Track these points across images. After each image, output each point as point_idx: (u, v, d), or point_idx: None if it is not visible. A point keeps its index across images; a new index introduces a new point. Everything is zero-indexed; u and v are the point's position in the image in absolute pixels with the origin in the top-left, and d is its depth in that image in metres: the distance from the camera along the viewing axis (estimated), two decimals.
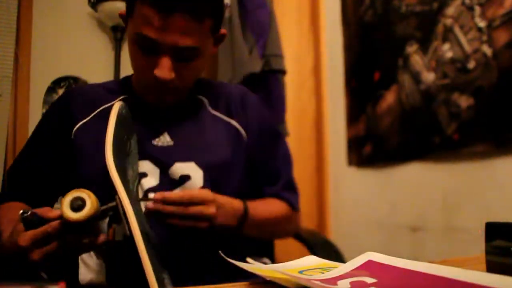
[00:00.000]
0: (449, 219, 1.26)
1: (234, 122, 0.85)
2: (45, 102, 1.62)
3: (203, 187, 0.75)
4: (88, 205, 0.57)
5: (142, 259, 0.50)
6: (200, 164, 0.76)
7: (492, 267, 0.40)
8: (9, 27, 1.58)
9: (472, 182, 1.18)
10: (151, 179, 0.74)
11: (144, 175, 0.73)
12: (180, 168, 0.75)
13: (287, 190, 0.88)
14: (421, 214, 1.37)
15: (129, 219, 0.55)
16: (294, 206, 0.88)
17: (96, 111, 0.79)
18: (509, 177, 1.07)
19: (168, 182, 0.73)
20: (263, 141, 0.87)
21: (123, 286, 0.72)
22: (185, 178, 0.75)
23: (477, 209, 1.16)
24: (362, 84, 1.69)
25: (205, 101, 0.85)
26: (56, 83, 1.62)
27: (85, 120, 0.78)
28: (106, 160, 0.60)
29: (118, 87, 0.84)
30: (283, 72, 1.58)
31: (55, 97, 1.62)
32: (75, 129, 0.78)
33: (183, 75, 0.72)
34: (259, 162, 0.86)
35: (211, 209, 0.66)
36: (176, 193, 0.65)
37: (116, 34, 1.74)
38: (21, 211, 0.56)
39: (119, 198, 0.60)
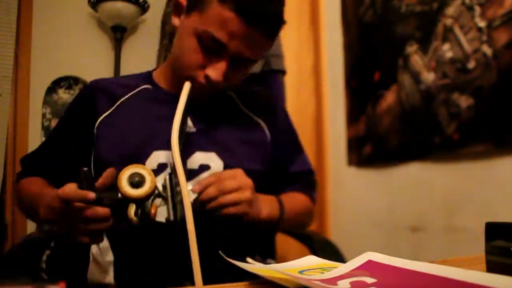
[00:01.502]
0: (449, 219, 1.26)
1: (261, 122, 0.86)
2: (45, 102, 1.62)
3: None
4: (148, 182, 0.55)
5: (191, 246, 0.49)
6: (221, 155, 0.76)
7: (492, 267, 0.40)
8: (9, 27, 1.58)
9: (472, 182, 1.18)
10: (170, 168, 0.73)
11: (165, 166, 0.73)
12: (200, 157, 0.75)
13: (307, 186, 0.92)
14: (421, 214, 1.37)
15: (185, 205, 0.54)
16: (314, 199, 0.92)
17: (116, 104, 0.79)
18: (509, 177, 1.07)
19: (186, 171, 0.72)
20: (288, 144, 0.90)
21: (132, 286, 0.72)
22: (204, 168, 0.75)
23: (477, 209, 1.16)
24: (362, 84, 1.69)
25: (235, 97, 0.86)
26: (56, 83, 1.62)
27: (106, 113, 0.78)
28: (172, 142, 0.59)
29: (138, 80, 0.83)
30: (283, 72, 1.58)
31: (55, 97, 1.62)
32: (98, 122, 0.78)
33: (230, 80, 0.72)
34: (281, 165, 0.88)
35: (247, 194, 0.67)
36: (203, 184, 0.66)
37: (116, 34, 1.74)
38: (85, 169, 0.55)
39: (171, 180, 0.59)
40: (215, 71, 0.68)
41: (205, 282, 0.48)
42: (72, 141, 0.80)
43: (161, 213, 0.65)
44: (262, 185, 0.82)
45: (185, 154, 0.73)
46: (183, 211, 0.56)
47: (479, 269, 0.36)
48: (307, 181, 0.93)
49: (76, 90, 1.62)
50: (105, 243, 0.73)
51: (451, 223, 1.25)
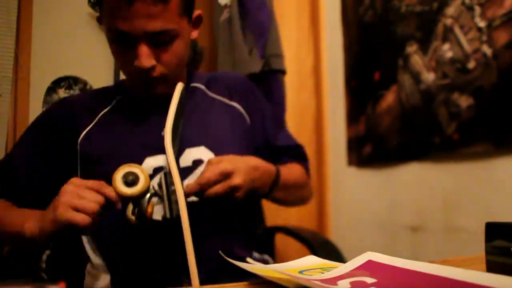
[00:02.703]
0: (449, 219, 1.26)
1: (236, 105, 0.86)
2: (45, 102, 1.62)
3: None
4: (142, 181, 0.56)
5: (186, 244, 0.49)
6: (210, 147, 0.77)
7: (492, 267, 0.40)
8: (9, 27, 1.58)
9: (472, 182, 1.18)
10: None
11: (160, 169, 0.73)
12: (191, 153, 0.76)
13: (300, 157, 0.93)
14: (421, 214, 1.37)
15: (179, 203, 0.54)
16: (308, 170, 0.94)
17: (97, 117, 0.79)
18: (509, 177, 1.07)
19: (180, 171, 0.72)
20: (265, 125, 0.91)
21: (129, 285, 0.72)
22: (197, 163, 0.76)
23: (477, 209, 1.16)
24: (362, 84, 1.69)
25: (202, 87, 0.86)
26: (56, 83, 1.62)
27: (88, 129, 0.78)
28: (165, 141, 0.60)
29: (113, 90, 0.84)
30: (283, 72, 1.58)
31: (55, 97, 1.62)
32: (80, 138, 0.77)
33: (165, 60, 0.72)
34: (267, 143, 0.89)
35: (235, 180, 0.68)
36: (195, 183, 0.67)
37: None
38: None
39: (166, 179, 0.60)
40: (140, 59, 0.69)
41: (204, 278, 0.48)
42: (47, 159, 0.78)
43: (158, 212, 0.66)
44: None
45: (177, 154, 0.74)
46: (178, 208, 0.56)
47: (479, 269, 0.36)
48: (298, 153, 0.94)
49: (76, 91, 1.62)
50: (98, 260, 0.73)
51: (451, 223, 1.25)
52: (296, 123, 1.84)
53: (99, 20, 0.75)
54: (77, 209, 0.57)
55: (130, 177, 0.56)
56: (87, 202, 0.57)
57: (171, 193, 0.62)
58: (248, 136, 0.85)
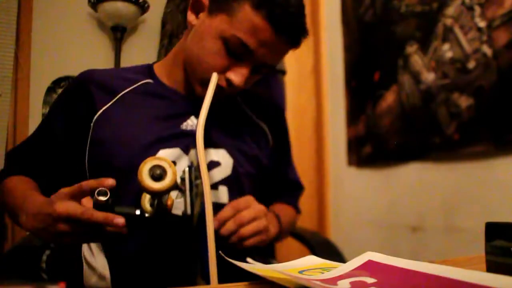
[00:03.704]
0: (449, 219, 1.26)
1: (264, 126, 0.86)
2: (45, 102, 1.61)
3: (230, 175, 0.75)
4: (170, 175, 0.53)
5: (208, 242, 0.48)
6: (231, 153, 0.76)
7: (492, 267, 0.40)
8: (9, 27, 1.58)
9: (472, 182, 1.18)
10: (180, 167, 0.71)
11: (173, 163, 0.70)
12: (209, 153, 0.74)
13: (295, 197, 0.94)
14: (421, 214, 1.37)
15: (206, 200, 0.53)
16: (299, 211, 0.95)
17: (116, 98, 0.75)
18: (509, 177, 1.07)
19: (196, 168, 0.70)
20: (284, 151, 0.92)
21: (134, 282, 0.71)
22: (214, 165, 0.74)
23: (477, 209, 1.16)
24: (362, 84, 1.69)
25: (239, 99, 0.85)
26: (56, 83, 1.62)
27: (105, 107, 0.74)
28: (197, 135, 0.59)
29: (137, 73, 0.80)
30: (283, 72, 1.57)
31: (55, 97, 1.62)
32: (96, 116, 0.73)
33: (248, 84, 0.73)
34: (278, 170, 0.89)
35: (264, 222, 0.69)
36: (232, 222, 0.66)
37: (116, 34, 1.74)
38: (97, 191, 0.54)
39: (190, 174, 0.59)
40: (238, 76, 0.68)
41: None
42: (64, 138, 0.75)
43: (178, 206, 0.64)
44: (259, 187, 0.83)
45: (191, 151, 0.72)
46: (201, 206, 0.55)
47: (479, 269, 0.36)
48: (296, 193, 0.95)
49: None
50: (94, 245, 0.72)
51: (451, 223, 1.25)
52: (296, 123, 1.84)
53: (201, 5, 0.71)
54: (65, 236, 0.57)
55: (158, 171, 0.54)
56: (78, 234, 0.57)
57: (194, 188, 0.60)
58: (267, 158, 0.84)
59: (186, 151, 0.72)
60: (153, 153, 0.70)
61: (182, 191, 0.61)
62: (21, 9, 1.62)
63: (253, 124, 0.84)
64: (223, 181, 0.74)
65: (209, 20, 0.69)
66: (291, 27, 0.67)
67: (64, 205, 0.55)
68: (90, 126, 0.73)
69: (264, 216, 0.69)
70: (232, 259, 0.46)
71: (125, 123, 0.73)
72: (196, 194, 0.61)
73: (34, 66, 1.62)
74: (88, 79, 0.78)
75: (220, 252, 0.49)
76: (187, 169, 0.62)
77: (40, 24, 1.68)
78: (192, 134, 0.72)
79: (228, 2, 0.67)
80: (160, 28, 1.78)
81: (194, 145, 0.66)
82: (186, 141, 0.72)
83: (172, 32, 1.69)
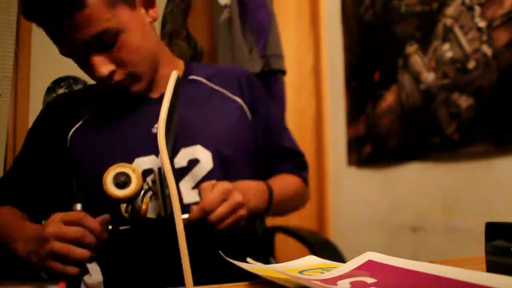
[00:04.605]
0: (449, 219, 1.26)
1: (239, 100, 0.83)
2: (45, 102, 1.62)
3: (213, 168, 0.74)
4: (134, 181, 0.54)
5: (180, 244, 0.48)
6: (206, 145, 0.74)
7: (492, 267, 0.40)
8: (9, 27, 1.58)
9: (472, 182, 1.18)
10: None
11: (149, 172, 0.70)
12: (186, 154, 0.73)
13: (298, 166, 0.90)
14: (421, 214, 1.37)
15: (173, 202, 0.53)
16: (306, 180, 0.90)
17: (88, 114, 0.77)
18: (509, 177, 1.07)
19: (175, 172, 0.68)
20: (269, 123, 0.87)
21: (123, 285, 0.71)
22: (194, 162, 0.73)
23: (477, 209, 1.16)
24: (362, 84, 1.69)
25: (201, 79, 0.82)
26: (56, 83, 1.62)
27: (77, 125, 0.76)
28: (158, 137, 0.58)
29: (107, 86, 0.78)
30: (283, 72, 1.58)
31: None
32: (69, 136, 0.75)
33: (121, 60, 0.69)
34: (267, 142, 0.86)
35: (237, 197, 0.65)
36: (198, 208, 0.63)
37: None
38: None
39: (161, 175, 0.59)
40: (96, 70, 0.68)
41: (202, 280, 0.47)
42: (43, 160, 0.76)
43: (153, 209, 0.64)
44: (254, 163, 0.81)
45: (171, 156, 0.71)
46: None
47: (479, 269, 0.36)
48: (298, 161, 0.91)
49: None
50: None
51: (451, 223, 1.25)
52: (296, 123, 1.84)
53: None
54: (65, 261, 0.57)
55: (122, 178, 0.54)
56: (73, 252, 0.56)
57: (166, 190, 0.60)
58: (248, 133, 0.82)
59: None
60: (129, 162, 0.69)
61: (155, 193, 0.61)
62: (21, 9, 1.62)
63: (227, 101, 0.82)
64: (208, 176, 0.73)
65: None
66: (41, 13, 0.65)
67: (56, 225, 0.57)
68: (67, 145, 0.75)
69: (232, 193, 0.65)
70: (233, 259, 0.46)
71: (98, 138, 0.74)
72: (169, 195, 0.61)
73: (34, 66, 1.62)
74: (58, 102, 0.82)
75: (220, 252, 0.49)
76: (157, 169, 0.62)
77: None
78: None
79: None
80: (160, 28, 1.78)
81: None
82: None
83: (172, 32, 1.69)
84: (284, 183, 0.84)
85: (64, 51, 0.68)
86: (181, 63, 0.85)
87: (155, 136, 0.71)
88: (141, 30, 0.71)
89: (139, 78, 0.73)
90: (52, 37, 0.67)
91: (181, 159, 0.73)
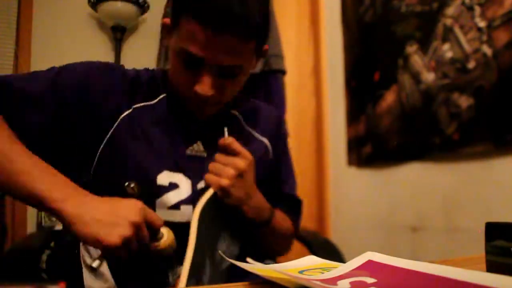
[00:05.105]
0: (449, 219, 1.26)
1: (266, 141, 0.86)
2: None
3: (189, 196, 0.75)
4: (164, 239, 0.61)
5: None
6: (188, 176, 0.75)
7: (492, 267, 0.40)
8: (9, 27, 1.58)
9: (472, 182, 1.18)
10: (183, 190, 0.73)
11: (175, 186, 0.72)
12: (167, 176, 0.73)
13: (295, 212, 0.91)
14: (421, 214, 1.37)
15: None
16: (297, 228, 0.91)
17: (134, 106, 0.74)
18: (509, 177, 1.07)
19: (198, 194, 0.71)
20: (283, 161, 0.91)
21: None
22: (173, 186, 0.73)
23: (477, 209, 1.16)
24: (362, 84, 1.69)
25: (240, 117, 0.85)
26: None
27: (124, 114, 0.72)
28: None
29: (159, 83, 0.79)
30: (283, 72, 1.58)
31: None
32: (118, 120, 0.72)
33: (224, 91, 0.71)
34: (276, 176, 0.88)
35: (241, 162, 0.69)
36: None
37: (116, 34, 1.74)
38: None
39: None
40: (201, 86, 0.68)
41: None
42: (71, 125, 0.69)
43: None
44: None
45: (197, 179, 0.74)
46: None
47: (479, 269, 0.36)
48: (296, 207, 0.91)
49: None
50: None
51: (451, 223, 1.25)
52: (296, 123, 1.84)
53: (166, 27, 0.72)
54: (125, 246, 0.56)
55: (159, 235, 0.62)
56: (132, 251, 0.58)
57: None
58: (263, 172, 0.82)
59: (190, 177, 0.73)
60: (157, 171, 0.71)
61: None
62: (21, 9, 1.63)
63: (257, 143, 0.85)
64: (183, 202, 0.74)
65: (171, 41, 0.71)
66: (223, 20, 0.63)
67: (141, 219, 0.58)
68: (112, 126, 0.71)
69: (236, 164, 0.70)
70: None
71: (136, 138, 0.72)
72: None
73: (34, 66, 1.62)
74: (121, 75, 0.76)
75: (220, 252, 0.50)
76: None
77: (40, 24, 1.68)
78: (195, 160, 0.75)
79: (175, 18, 0.68)
80: (160, 28, 1.78)
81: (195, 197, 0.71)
82: (190, 167, 0.74)
83: None
84: (281, 215, 0.85)
85: (186, 52, 0.66)
86: None
87: (189, 156, 0.75)
88: (248, 75, 0.76)
89: (218, 106, 0.76)
90: (189, 33, 0.64)
91: (163, 178, 0.72)
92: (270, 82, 1.53)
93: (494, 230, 0.40)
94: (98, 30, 1.79)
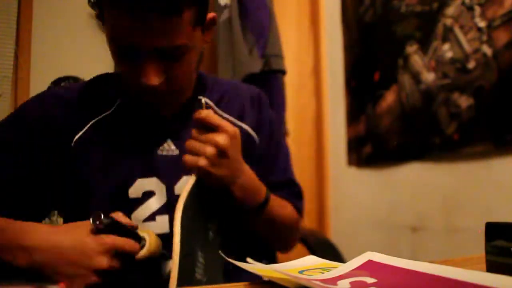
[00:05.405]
0: (449, 219, 1.26)
1: (245, 126, 0.78)
2: None
3: (166, 202, 0.70)
4: (147, 246, 0.57)
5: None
6: (162, 178, 0.69)
7: (492, 267, 0.40)
8: (9, 27, 1.58)
9: (472, 182, 1.18)
10: (158, 199, 0.68)
11: (151, 194, 0.68)
12: (187, 182, 0.68)
13: (295, 196, 0.83)
14: (421, 214, 1.37)
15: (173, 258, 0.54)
16: (301, 212, 0.84)
17: (92, 122, 0.70)
18: (509, 177, 1.07)
19: (175, 199, 0.64)
20: (271, 146, 0.83)
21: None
22: (148, 195, 0.69)
23: (477, 209, 1.16)
24: (362, 84, 1.69)
25: (210, 103, 0.77)
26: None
27: (81, 133, 0.69)
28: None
29: (113, 90, 0.74)
30: (283, 72, 1.58)
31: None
32: (73, 143, 0.68)
33: (174, 76, 0.64)
34: (266, 165, 0.81)
35: (221, 138, 0.62)
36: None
37: None
38: (95, 217, 0.52)
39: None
40: (147, 77, 0.61)
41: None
42: (27, 161, 0.66)
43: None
44: None
45: (173, 179, 0.69)
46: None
47: (479, 269, 0.36)
48: (294, 191, 0.84)
49: None
50: None
51: (451, 223, 1.25)
52: (296, 123, 1.84)
53: (99, 17, 0.65)
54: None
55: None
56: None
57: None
58: (254, 157, 0.76)
59: (164, 181, 0.68)
60: (131, 181, 0.67)
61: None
62: (21, 9, 1.63)
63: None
64: (159, 210, 0.70)
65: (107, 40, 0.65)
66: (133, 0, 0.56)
67: (110, 237, 0.53)
68: (68, 153, 0.68)
69: (216, 141, 0.62)
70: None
71: (101, 152, 0.68)
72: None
73: (34, 66, 1.62)
74: (61, 99, 0.72)
75: (220, 252, 0.49)
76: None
77: (40, 24, 1.68)
78: (167, 161, 0.68)
79: (101, 15, 0.63)
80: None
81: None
82: (164, 168, 0.69)
83: None
84: (280, 201, 0.78)
85: (116, 43, 0.61)
86: (193, 79, 0.78)
87: (160, 157, 0.69)
88: (200, 50, 0.69)
89: (175, 96, 0.69)
90: (113, 20, 0.59)
91: (181, 187, 0.68)
92: (270, 82, 1.53)
93: (494, 230, 0.40)
94: (98, 30, 1.79)
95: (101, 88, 0.74)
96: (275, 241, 0.82)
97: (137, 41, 0.59)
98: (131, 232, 0.57)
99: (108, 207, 0.60)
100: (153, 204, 0.67)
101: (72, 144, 0.68)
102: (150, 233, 0.59)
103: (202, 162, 0.62)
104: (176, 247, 0.56)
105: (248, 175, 0.69)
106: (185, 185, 0.63)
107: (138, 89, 0.64)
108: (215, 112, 0.75)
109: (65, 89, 0.75)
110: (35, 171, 0.67)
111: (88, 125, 0.69)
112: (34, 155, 0.67)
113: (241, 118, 0.78)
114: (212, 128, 0.64)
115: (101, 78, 0.77)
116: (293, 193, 0.83)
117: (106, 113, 0.71)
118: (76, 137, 0.68)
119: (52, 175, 0.67)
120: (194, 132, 0.64)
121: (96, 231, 0.53)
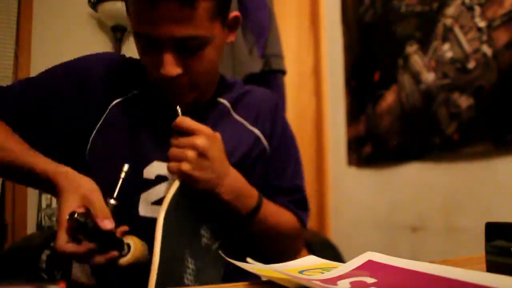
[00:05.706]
0: (449, 219, 1.26)
1: (257, 131, 0.79)
2: None
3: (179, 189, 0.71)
4: (131, 253, 0.58)
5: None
6: None
7: (492, 267, 0.40)
8: (9, 27, 1.58)
9: (472, 182, 1.18)
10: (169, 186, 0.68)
11: (164, 178, 0.69)
12: (157, 167, 0.70)
13: (299, 206, 0.81)
14: (421, 214, 1.37)
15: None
16: (304, 222, 0.81)
17: (125, 96, 0.73)
18: (509, 177, 1.07)
19: (140, 182, 0.69)
20: (282, 152, 0.83)
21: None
22: (161, 178, 0.70)
23: (477, 209, 1.16)
24: (362, 84, 1.69)
25: (228, 105, 0.79)
26: None
27: (117, 101, 0.73)
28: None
29: (132, 78, 0.76)
30: (283, 72, 1.58)
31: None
32: (111, 105, 0.72)
33: (193, 69, 0.66)
34: (275, 171, 0.81)
35: (199, 140, 0.63)
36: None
37: (116, 34, 1.74)
38: (71, 212, 0.53)
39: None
40: (165, 67, 0.63)
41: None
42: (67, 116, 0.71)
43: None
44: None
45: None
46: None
47: (479, 269, 0.36)
48: (297, 198, 0.82)
49: None
50: None
51: (451, 223, 1.25)
52: (296, 123, 1.84)
53: (127, 12, 0.68)
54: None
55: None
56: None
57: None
58: (261, 163, 0.77)
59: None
60: (148, 163, 0.69)
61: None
62: (21, 9, 1.63)
63: (246, 132, 0.78)
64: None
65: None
66: None
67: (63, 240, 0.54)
68: (106, 110, 0.72)
69: (194, 144, 0.63)
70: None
71: (125, 130, 0.72)
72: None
73: (34, 66, 1.62)
74: (115, 65, 0.76)
75: (220, 252, 0.49)
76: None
77: (40, 24, 1.68)
78: (153, 184, 0.69)
79: (126, 7, 0.66)
80: None
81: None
82: (145, 193, 0.69)
83: None
84: (277, 209, 0.76)
85: (138, 34, 0.64)
86: (216, 79, 0.80)
87: (144, 180, 0.69)
88: (221, 48, 0.71)
89: (196, 90, 0.71)
90: (135, 13, 0.62)
91: (150, 171, 0.70)
92: (270, 82, 1.53)
93: (494, 230, 0.40)
94: (98, 30, 1.79)
95: (136, 68, 0.77)
96: (272, 251, 0.79)
97: (156, 30, 0.61)
98: (115, 239, 0.57)
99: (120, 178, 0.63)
100: (163, 189, 0.69)
101: (108, 109, 0.72)
102: (135, 239, 0.59)
103: (185, 166, 0.62)
104: (156, 249, 0.56)
105: (234, 178, 0.68)
106: (168, 191, 0.63)
107: (159, 81, 0.67)
108: (231, 115, 0.78)
109: (118, 56, 0.80)
110: (74, 119, 0.71)
111: (123, 98, 0.73)
112: (76, 108, 0.71)
113: (255, 124, 0.79)
114: (190, 133, 0.65)
115: (134, 66, 0.79)
116: (296, 200, 0.81)
117: (139, 92, 0.75)
118: (113, 103, 0.72)
119: (86, 128, 0.71)
120: (173, 139, 0.65)
121: (71, 229, 0.54)
